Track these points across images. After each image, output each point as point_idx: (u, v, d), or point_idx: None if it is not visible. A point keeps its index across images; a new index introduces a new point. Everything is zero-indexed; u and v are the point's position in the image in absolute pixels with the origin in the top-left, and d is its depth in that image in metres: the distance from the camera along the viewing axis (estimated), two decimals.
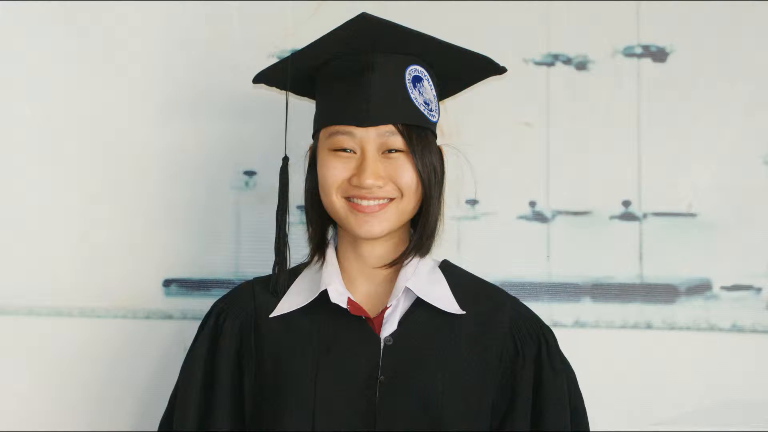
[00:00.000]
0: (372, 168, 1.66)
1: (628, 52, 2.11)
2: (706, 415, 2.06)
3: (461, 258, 1.91)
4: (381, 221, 1.68)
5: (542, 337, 1.73)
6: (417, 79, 1.70)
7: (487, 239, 2.10)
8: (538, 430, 1.69)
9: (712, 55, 2.10)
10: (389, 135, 1.67)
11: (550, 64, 2.12)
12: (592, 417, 1.77)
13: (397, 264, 1.72)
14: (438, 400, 1.64)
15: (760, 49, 2.09)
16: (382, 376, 1.64)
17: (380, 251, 1.73)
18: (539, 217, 2.10)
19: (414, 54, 1.71)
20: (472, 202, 2.10)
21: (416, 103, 1.68)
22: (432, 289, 1.71)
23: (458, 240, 2.10)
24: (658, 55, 2.10)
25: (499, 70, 1.81)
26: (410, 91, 1.68)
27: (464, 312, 1.70)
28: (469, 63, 1.78)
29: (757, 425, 2.05)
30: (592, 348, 2.05)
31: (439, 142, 1.76)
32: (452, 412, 1.64)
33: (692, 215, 2.09)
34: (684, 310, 2.07)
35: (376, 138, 1.66)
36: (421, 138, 1.68)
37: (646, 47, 2.11)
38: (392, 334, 1.67)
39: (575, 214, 2.10)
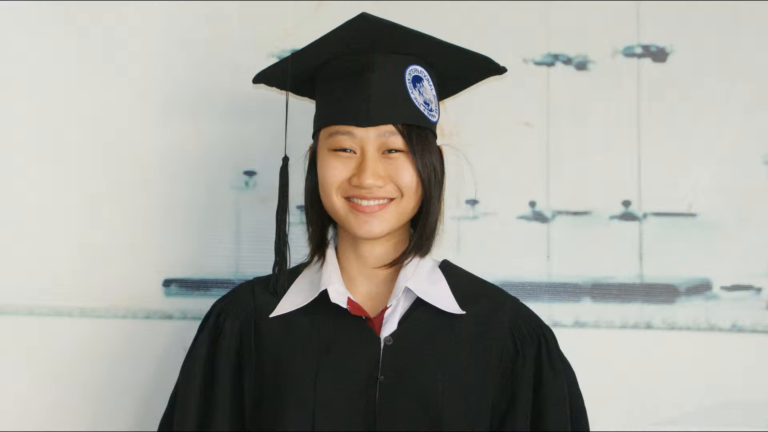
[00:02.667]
0: (372, 168, 1.66)
1: (628, 52, 2.11)
2: (706, 415, 2.06)
3: (461, 258, 1.91)
4: (381, 221, 1.68)
5: (542, 337, 1.73)
6: (417, 79, 1.70)
7: (487, 239, 2.10)
8: (538, 430, 1.70)
9: (712, 55, 2.10)
10: (389, 135, 1.67)
11: (550, 64, 2.12)
12: (592, 417, 1.77)
13: (397, 264, 1.72)
14: (438, 400, 1.64)
15: (760, 49, 2.09)
16: (382, 376, 1.64)
17: (380, 251, 1.73)
18: (539, 217, 2.10)
19: (414, 54, 1.71)
20: (472, 202, 2.10)
21: (416, 103, 1.68)
22: (432, 289, 1.71)
23: (458, 240, 2.10)
24: (658, 55, 2.10)
25: (499, 70, 1.81)
26: (410, 91, 1.68)
27: (464, 312, 1.70)
28: (469, 63, 1.78)
29: (757, 425, 2.05)
30: (592, 348, 2.05)
31: (439, 142, 1.76)
32: (452, 412, 1.64)
33: (692, 215, 2.08)
34: (684, 310, 2.07)
35: (376, 138, 1.66)
36: (421, 138, 1.68)
37: (646, 47, 2.11)
38: (392, 334, 1.66)
39: (575, 214, 2.10)
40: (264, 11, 2.14)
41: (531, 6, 2.12)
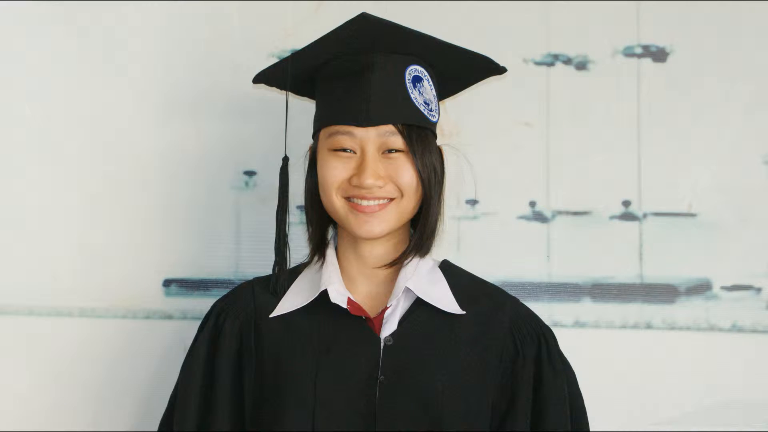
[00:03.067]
0: (372, 168, 1.66)
1: (628, 52, 2.11)
2: (706, 415, 2.05)
3: (461, 258, 1.91)
4: (381, 221, 1.68)
5: (542, 337, 1.73)
6: (417, 79, 1.70)
7: (487, 239, 2.10)
8: (538, 430, 1.70)
9: (712, 55, 2.10)
10: (389, 135, 1.67)
11: (550, 64, 2.12)
12: (592, 417, 1.77)
13: (397, 264, 1.72)
14: (438, 400, 1.64)
15: (760, 49, 2.10)
16: (382, 376, 1.64)
17: (380, 251, 1.73)
18: (539, 217, 2.10)
19: (414, 54, 1.71)
20: (472, 202, 2.10)
21: (416, 103, 1.68)
22: (432, 289, 1.71)
23: (458, 240, 2.10)
24: (658, 55, 2.10)
25: (499, 70, 1.82)
26: (410, 91, 1.68)
27: (464, 312, 1.70)
28: (469, 63, 1.78)
29: (757, 425, 2.05)
30: (592, 348, 2.05)
31: (439, 142, 1.76)
32: (452, 412, 1.64)
33: (692, 215, 2.08)
34: (684, 310, 2.07)
35: (376, 138, 1.66)
36: (421, 138, 1.68)
37: (646, 47, 2.11)
38: (392, 334, 1.66)
39: (575, 214, 2.10)
40: (264, 11, 2.14)
41: (531, 6, 2.12)
